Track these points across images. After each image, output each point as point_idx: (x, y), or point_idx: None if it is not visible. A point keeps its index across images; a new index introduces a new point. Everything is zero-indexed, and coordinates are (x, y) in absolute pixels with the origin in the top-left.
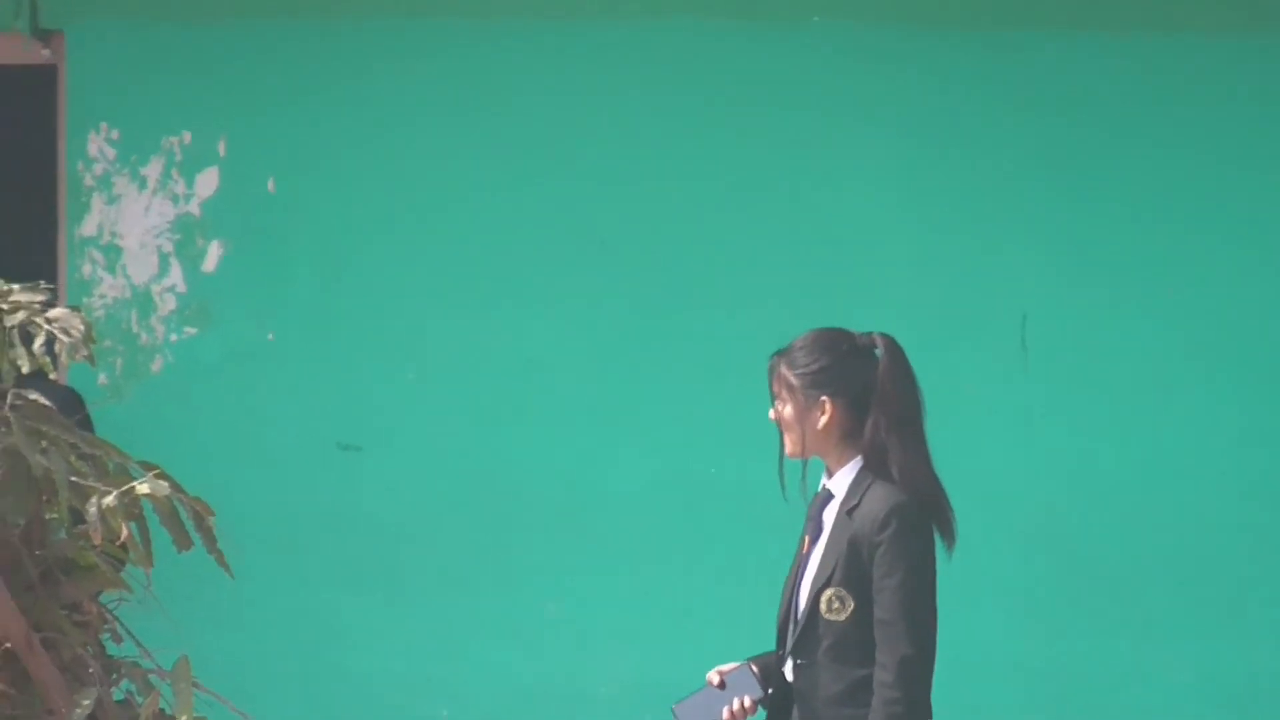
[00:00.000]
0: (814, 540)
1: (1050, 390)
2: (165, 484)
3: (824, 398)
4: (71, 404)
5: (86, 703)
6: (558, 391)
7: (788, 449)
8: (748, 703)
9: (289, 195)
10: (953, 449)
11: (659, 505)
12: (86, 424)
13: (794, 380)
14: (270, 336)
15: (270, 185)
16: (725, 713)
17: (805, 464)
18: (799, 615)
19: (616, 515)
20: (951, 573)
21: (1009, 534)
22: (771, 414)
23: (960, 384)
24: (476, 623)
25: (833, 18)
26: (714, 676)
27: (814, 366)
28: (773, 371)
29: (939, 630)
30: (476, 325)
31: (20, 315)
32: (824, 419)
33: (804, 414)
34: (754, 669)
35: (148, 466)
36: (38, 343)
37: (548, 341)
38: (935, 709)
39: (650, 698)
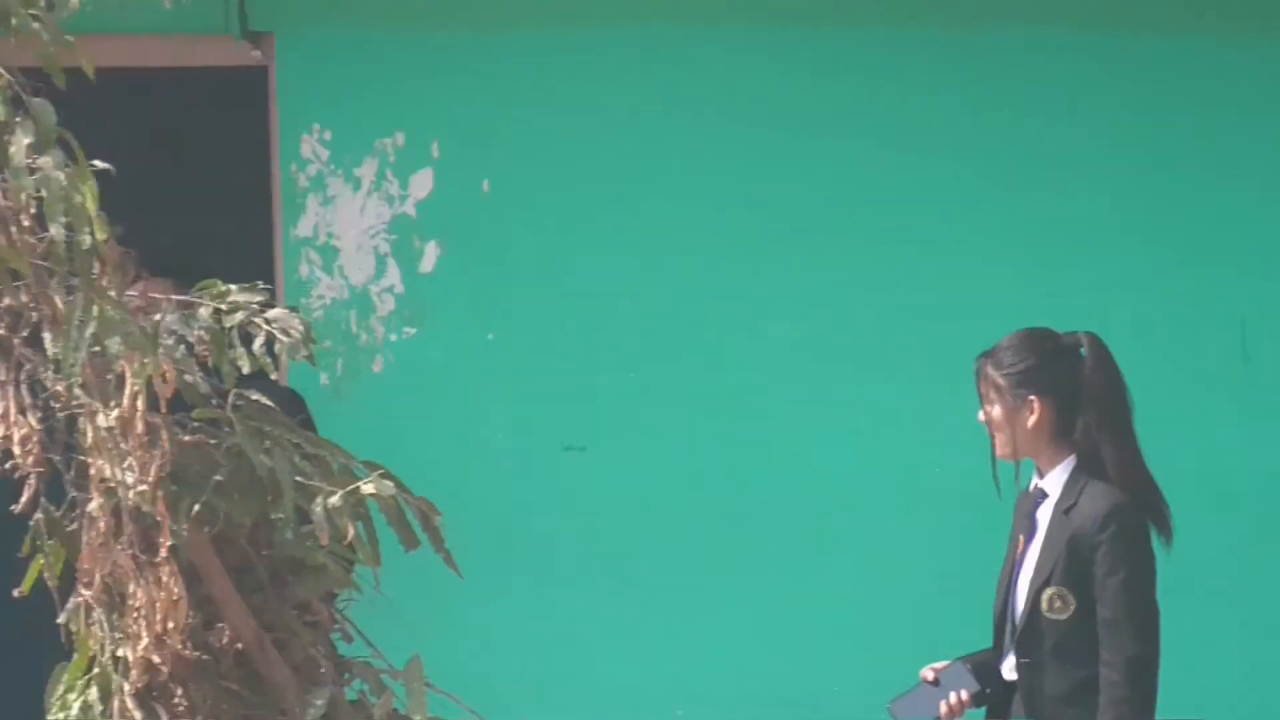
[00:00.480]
0: (1029, 540)
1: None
2: (390, 484)
3: (1031, 397)
4: (294, 405)
5: (320, 703)
6: (783, 388)
7: (998, 450)
8: (965, 697)
9: (505, 196)
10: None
11: (889, 504)
12: (309, 424)
13: (1001, 381)
14: (491, 336)
15: (485, 186)
16: (943, 708)
17: (1018, 464)
18: (1017, 614)
19: (847, 513)
20: (1173, 571)
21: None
22: (981, 416)
23: (1181, 386)
24: (708, 621)
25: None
26: (928, 674)
27: (1020, 366)
28: (979, 373)
29: (1162, 629)
30: (700, 322)
31: (239, 316)
32: (1032, 419)
33: (1012, 414)
34: (967, 666)
35: (371, 466)
36: (257, 343)
37: (772, 338)
38: (1161, 708)
39: (886, 695)
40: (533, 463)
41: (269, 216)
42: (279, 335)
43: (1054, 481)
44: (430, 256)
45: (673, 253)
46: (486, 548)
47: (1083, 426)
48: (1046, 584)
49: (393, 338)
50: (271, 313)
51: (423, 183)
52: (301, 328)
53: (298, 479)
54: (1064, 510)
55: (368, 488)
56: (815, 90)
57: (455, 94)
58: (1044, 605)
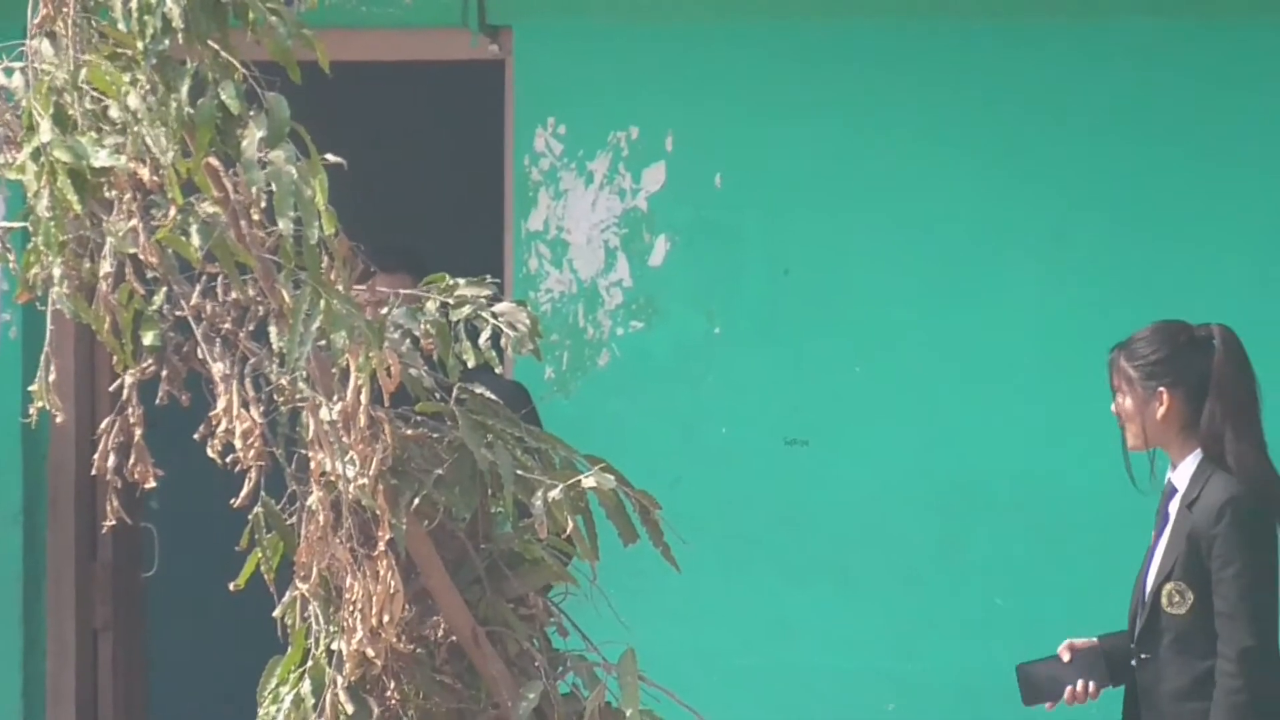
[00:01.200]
0: (1159, 534)
1: None
2: (611, 477)
3: (1161, 389)
4: (518, 398)
5: (532, 696)
6: (1006, 383)
7: (1130, 442)
8: (1092, 688)
9: (736, 190)
10: None
11: (1109, 497)
12: (533, 418)
13: (1132, 372)
14: (717, 331)
15: (717, 180)
16: (1068, 693)
17: (1153, 455)
18: (1143, 610)
19: (1067, 508)
20: None
21: None
22: (1113, 407)
23: None
24: (925, 616)
25: None
26: (1065, 651)
27: (1152, 358)
28: (1113, 365)
29: None
30: (924, 316)
31: (466, 310)
32: (1162, 410)
33: (1143, 406)
34: (1106, 652)
35: (593, 460)
36: (483, 337)
37: (996, 332)
38: None
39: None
40: (756, 457)
41: (501, 210)
42: (505, 329)
43: (1183, 475)
44: (660, 251)
45: (902, 248)
46: (706, 542)
47: (1208, 417)
48: (1168, 579)
49: (619, 332)
50: (499, 306)
51: (655, 176)
52: (528, 322)
53: (519, 473)
54: (1188, 504)
55: (588, 481)
56: (1057, 88)
57: (689, 87)
58: (1164, 600)
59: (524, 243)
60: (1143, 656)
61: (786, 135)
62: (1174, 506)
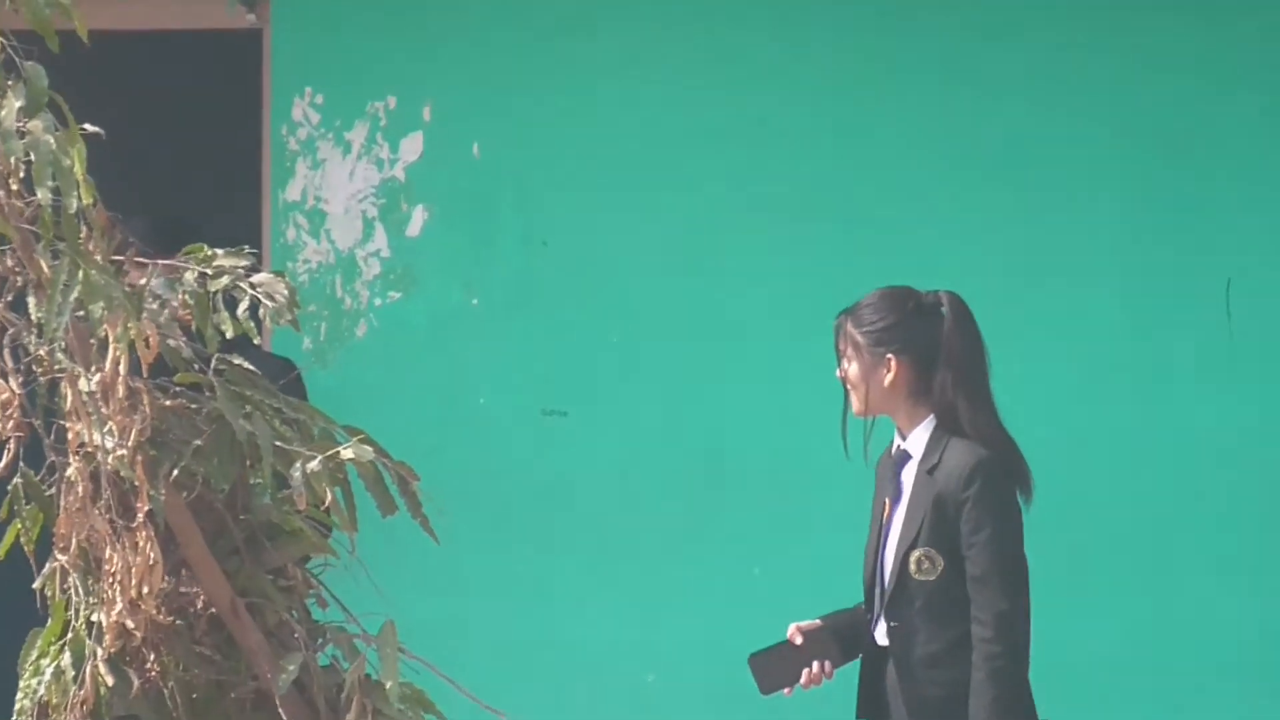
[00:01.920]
0: (895, 502)
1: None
2: (369, 449)
3: (889, 355)
4: (286, 373)
5: (292, 668)
6: (761, 355)
7: (854, 407)
8: (828, 667)
9: (494, 160)
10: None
11: (859, 469)
12: (299, 391)
13: (860, 338)
14: (475, 301)
15: (475, 150)
16: (805, 676)
17: (870, 423)
18: (886, 578)
19: (820, 479)
20: (1161, 537)
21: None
22: (838, 373)
23: (1165, 344)
24: (682, 587)
25: None
26: (795, 635)
27: (880, 324)
28: (839, 330)
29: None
30: (680, 290)
31: (224, 280)
32: (889, 377)
33: (870, 372)
34: (833, 631)
35: (352, 431)
36: (241, 308)
37: (750, 305)
38: (1164, 671)
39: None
40: (513, 428)
41: (258, 181)
42: (264, 300)
43: (916, 441)
44: (417, 221)
45: (657, 221)
46: (464, 513)
47: (939, 385)
48: (914, 545)
49: (377, 302)
50: (257, 277)
51: (413, 146)
52: (286, 292)
53: (277, 444)
54: (928, 470)
55: (347, 453)
56: (807, 54)
57: (447, 58)
58: (912, 567)
59: (281, 213)
60: (892, 625)
61: (544, 106)
62: (909, 474)
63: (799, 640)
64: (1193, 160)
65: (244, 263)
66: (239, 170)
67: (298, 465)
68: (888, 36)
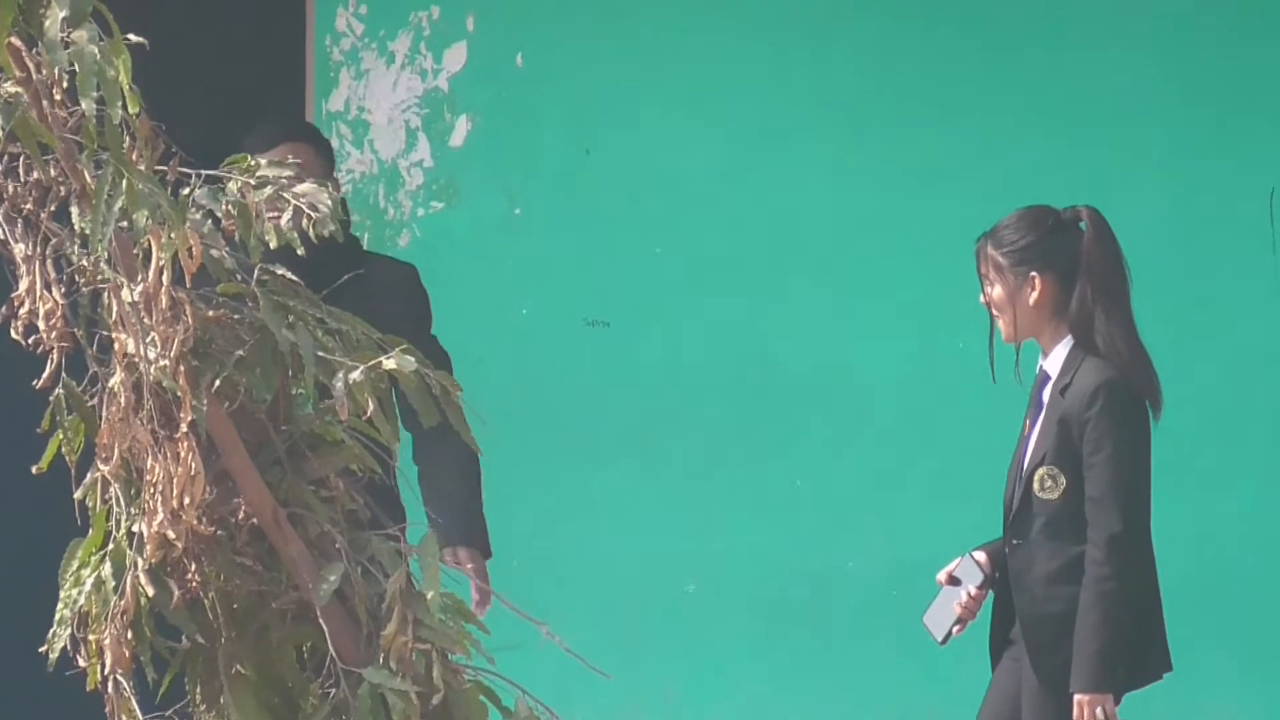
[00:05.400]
0: (1034, 422)
1: None
2: (411, 359)
3: (1033, 274)
4: (413, 281)
5: (333, 578)
6: (808, 265)
7: (1004, 332)
8: (973, 590)
9: (537, 70)
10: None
11: (909, 381)
12: (420, 295)
13: (1001, 259)
14: (517, 211)
15: (519, 60)
16: (957, 608)
17: (1018, 348)
18: (1016, 497)
19: (867, 390)
20: (1205, 451)
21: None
22: (982, 298)
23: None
24: (725, 498)
25: None
26: (942, 577)
27: (1020, 243)
28: (980, 254)
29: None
30: (725, 198)
31: (268, 190)
32: (1034, 295)
33: (1015, 293)
34: (975, 557)
35: (394, 342)
36: (285, 218)
37: (797, 215)
38: (1206, 582)
39: (900, 573)
40: (556, 338)
41: (302, 91)
42: (307, 210)
43: (1055, 361)
44: (460, 131)
45: (702, 129)
46: (507, 423)
47: (1077, 299)
48: (1040, 464)
49: (420, 212)
50: (300, 187)
51: (456, 56)
52: (330, 202)
53: (320, 354)
54: (1060, 389)
55: (389, 363)
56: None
57: None
58: (1036, 485)
59: (325, 123)
60: (1015, 542)
61: (587, 15)
62: (1047, 393)
63: (945, 580)
64: (1235, 70)
65: (287, 173)
66: (284, 80)
67: (340, 376)
68: None
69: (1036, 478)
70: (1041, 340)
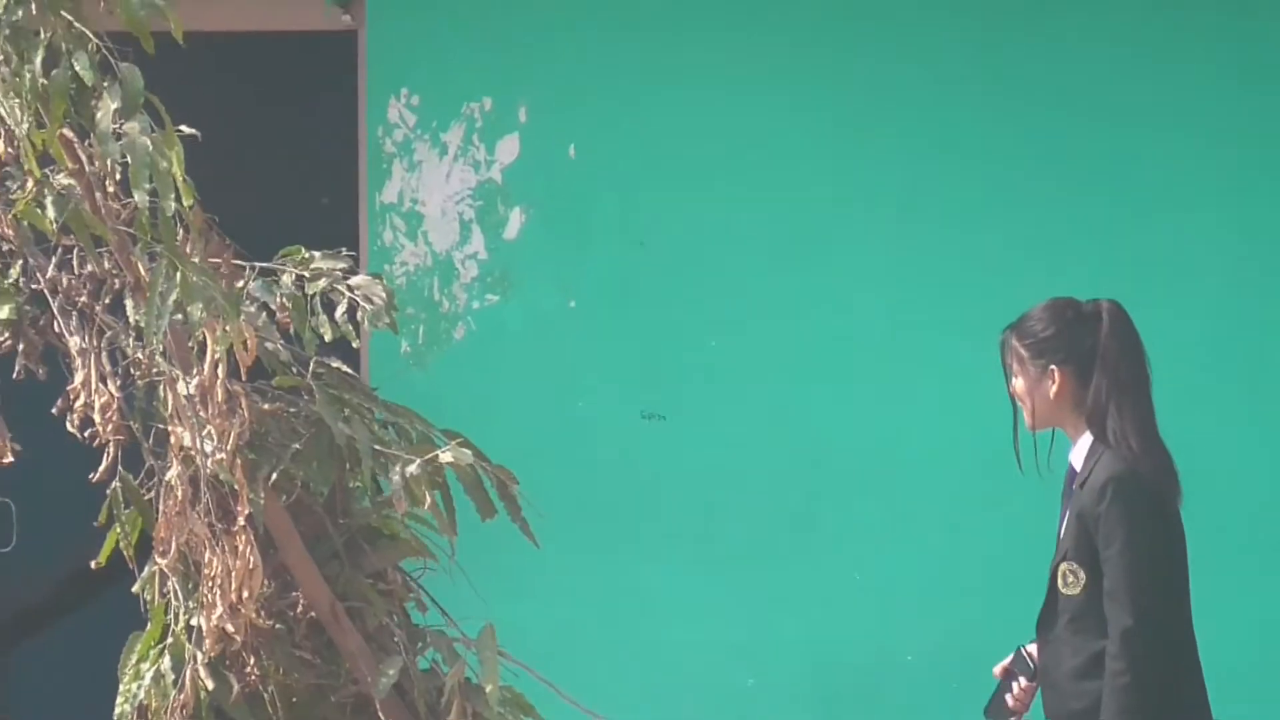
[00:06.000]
0: (1063, 515)
1: None
2: (468, 452)
3: (1052, 366)
4: None
5: (392, 672)
6: (860, 357)
7: (1026, 422)
8: (1023, 684)
9: (590, 161)
10: None
11: (964, 471)
12: None
13: (1023, 351)
14: (572, 304)
15: (571, 151)
16: (1011, 701)
17: (1052, 436)
18: (1047, 593)
19: (922, 482)
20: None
21: None
22: (1009, 389)
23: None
24: (782, 591)
25: None
26: (998, 671)
27: (1041, 335)
28: (1004, 345)
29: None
30: (779, 290)
31: (322, 283)
32: (1054, 388)
33: (1035, 385)
34: (1026, 650)
35: (450, 435)
36: (340, 310)
37: (851, 304)
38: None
39: (956, 665)
40: (612, 431)
41: (354, 183)
42: (361, 302)
43: (1079, 454)
44: (514, 223)
45: (757, 222)
46: (563, 516)
47: (1093, 393)
48: (1063, 560)
49: (475, 305)
50: (354, 280)
51: (509, 148)
52: (384, 295)
53: (376, 447)
54: (1080, 484)
55: (446, 456)
56: (908, 66)
57: (543, 58)
58: (1059, 581)
59: (378, 215)
60: (1045, 639)
61: (640, 106)
62: (1075, 487)
63: (1000, 673)
64: None
65: (341, 265)
66: (337, 172)
67: (397, 469)
68: (989, 42)
69: (1059, 574)
70: (1067, 431)
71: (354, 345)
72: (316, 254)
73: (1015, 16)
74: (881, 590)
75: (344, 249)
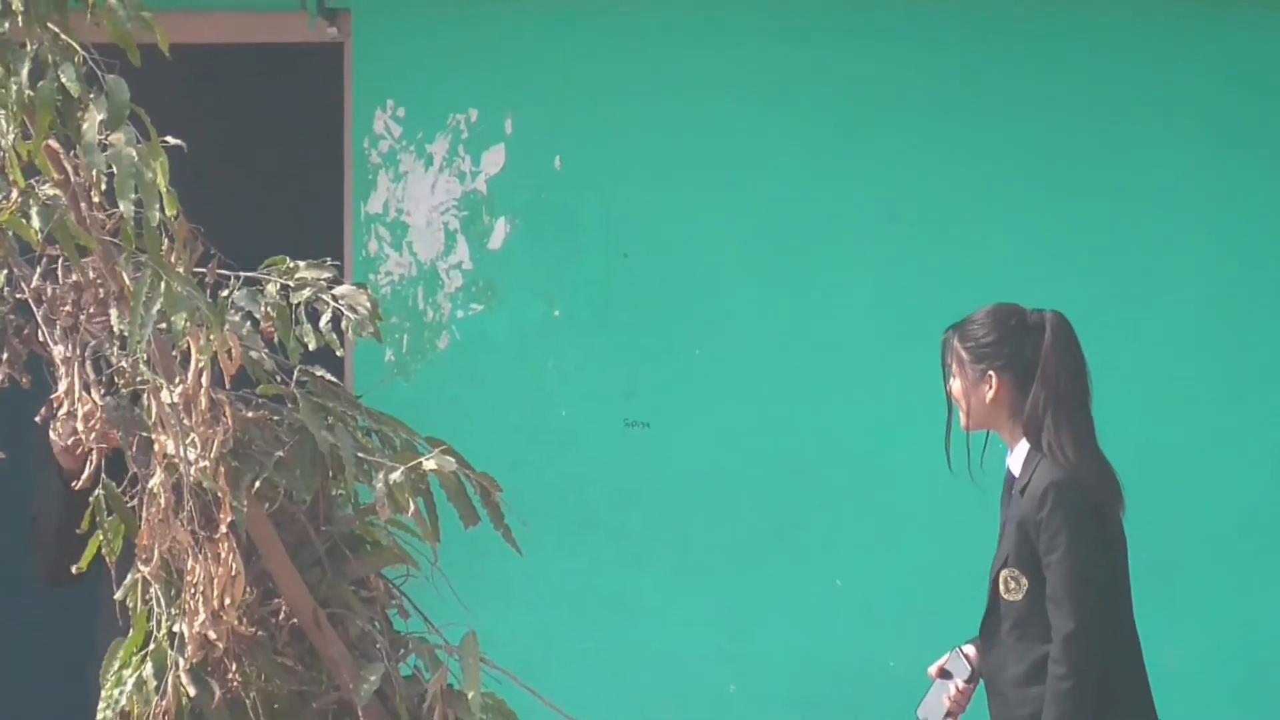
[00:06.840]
0: (1003, 523)
1: None
2: (452, 460)
3: (991, 372)
4: None
5: (374, 678)
6: (842, 367)
7: (961, 422)
8: (961, 684)
9: (575, 172)
10: None
11: (947, 480)
12: None
13: (964, 354)
14: (557, 313)
15: (557, 162)
16: (946, 701)
17: (986, 438)
18: (988, 599)
19: (904, 490)
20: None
21: None
22: (946, 388)
23: (1248, 362)
24: (765, 598)
25: None
26: (933, 671)
27: (983, 340)
28: (945, 345)
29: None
30: (763, 300)
31: (306, 292)
32: (990, 393)
33: (972, 388)
34: (964, 651)
35: (434, 443)
36: (324, 320)
37: (835, 316)
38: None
39: None
40: (595, 440)
41: (340, 193)
42: (345, 312)
43: (1017, 460)
44: (499, 233)
45: (741, 231)
46: (547, 524)
47: (1031, 402)
48: (1004, 566)
49: (459, 314)
50: (339, 289)
51: (494, 159)
52: (369, 304)
53: (359, 455)
54: (1019, 490)
55: (429, 464)
56: (893, 73)
57: (528, 70)
58: (1001, 587)
59: (364, 225)
60: (986, 645)
61: (625, 118)
62: (1015, 493)
63: (936, 673)
64: (1277, 172)
65: (326, 274)
66: (322, 183)
67: (380, 476)
68: (976, 48)
69: (1001, 580)
70: (1003, 436)
71: (338, 354)
72: (301, 263)
73: (1002, 21)
74: (863, 598)
75: (329, 259)
